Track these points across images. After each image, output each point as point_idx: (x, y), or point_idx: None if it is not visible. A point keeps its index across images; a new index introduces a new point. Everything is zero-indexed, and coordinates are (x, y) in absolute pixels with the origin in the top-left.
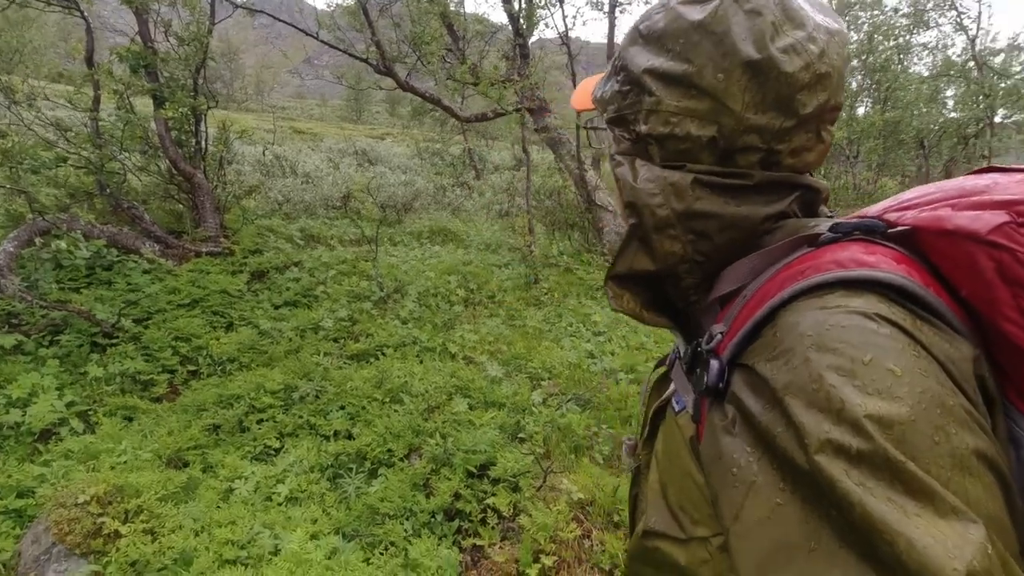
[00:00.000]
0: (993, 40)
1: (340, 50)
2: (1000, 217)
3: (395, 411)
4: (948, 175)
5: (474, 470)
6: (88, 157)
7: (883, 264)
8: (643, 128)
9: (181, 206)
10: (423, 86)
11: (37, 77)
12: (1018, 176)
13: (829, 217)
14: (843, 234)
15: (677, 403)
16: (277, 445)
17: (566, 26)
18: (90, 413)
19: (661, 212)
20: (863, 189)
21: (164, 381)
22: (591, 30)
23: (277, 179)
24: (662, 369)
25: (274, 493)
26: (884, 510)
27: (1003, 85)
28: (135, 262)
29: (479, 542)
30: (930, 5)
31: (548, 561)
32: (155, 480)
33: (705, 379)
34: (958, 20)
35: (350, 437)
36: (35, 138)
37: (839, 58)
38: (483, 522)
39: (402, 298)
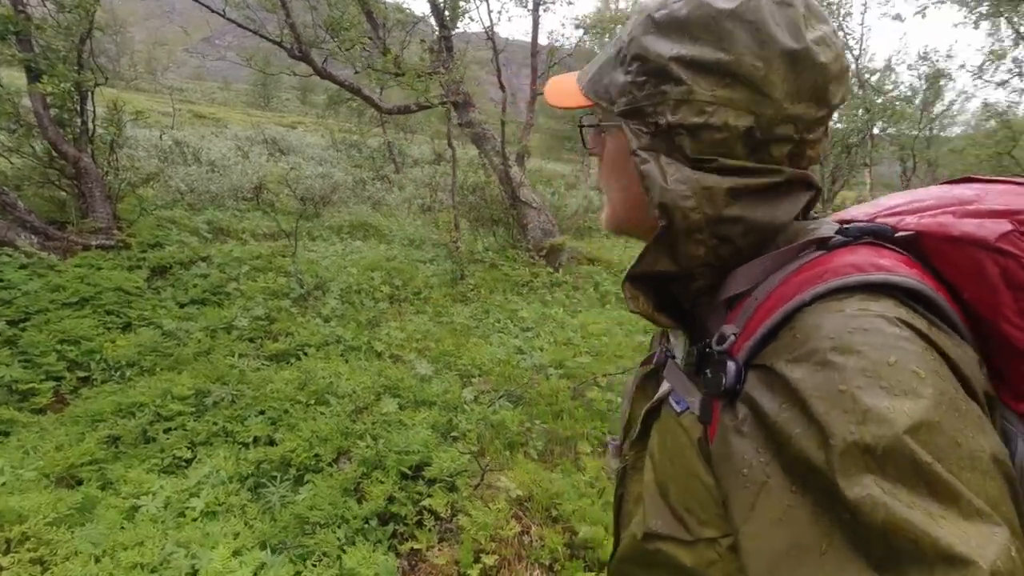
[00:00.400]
0: (871, 60)
1: (251, 31)
2: (1005, 226)
3: (321, 414)
4: (834, 181)
5: (408, 471)
6: None
7: (898, 268)
8: (671, 119)
9: (64, 193)
10: (341, 74)
11: None
12: (1001, 187)
13: (815, 219)
14: (852, 238)
15: (678, 404)
16: (189, 456)
17: (491, 20)
18: None
19: (694, 216)
20: None
21: (48, 390)
22: (513, 28)
23: (178, 167)
24: (648, 368)
25: (188, 508)
26: (908, 511)
27: (879, 101)
28: (8, 256)
29: (416, 546)
30: None
31: (489, 560)
32: (42, 502)
33: (723, 380)
34: (845, 42)
35: (272, 443)
36: None
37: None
38: (420, 525)
39: (323, 295)
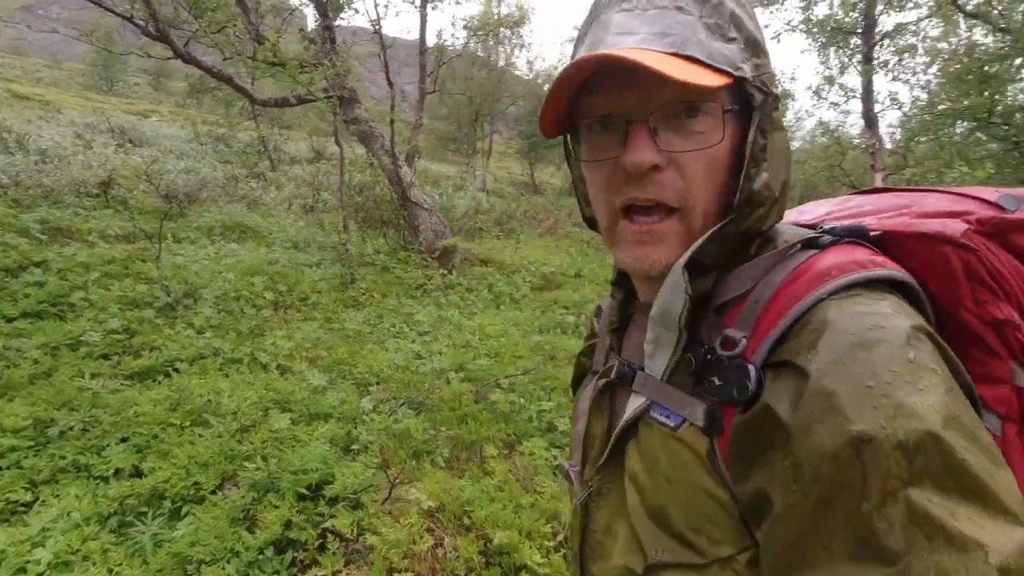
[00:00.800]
0: None
1: (93, 2)
2: (963, 225)
3: (200, 436)
4: None
5: (306, 492)
6: None
7: (889, 265)
8: (776, 90)
9: None
10: (207, 59)
11: None
12: (929, 196)
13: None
14: (839, 237)
15: (669, 418)
16: (28, 498)
17: (378, 14)
18: None
19: (772, 201)
20: None
21: None
22: (393, 25)
23: None
24: (603, 382)
25: (30, 562)
26: (931, 504)
27: None
28: None
29: (320, 572)
30: None
31: None
32: None
33: (746, 386)
34: None
35: (139, 475)
36: None
37: None
38: (322, 549)
39: (195, 303)
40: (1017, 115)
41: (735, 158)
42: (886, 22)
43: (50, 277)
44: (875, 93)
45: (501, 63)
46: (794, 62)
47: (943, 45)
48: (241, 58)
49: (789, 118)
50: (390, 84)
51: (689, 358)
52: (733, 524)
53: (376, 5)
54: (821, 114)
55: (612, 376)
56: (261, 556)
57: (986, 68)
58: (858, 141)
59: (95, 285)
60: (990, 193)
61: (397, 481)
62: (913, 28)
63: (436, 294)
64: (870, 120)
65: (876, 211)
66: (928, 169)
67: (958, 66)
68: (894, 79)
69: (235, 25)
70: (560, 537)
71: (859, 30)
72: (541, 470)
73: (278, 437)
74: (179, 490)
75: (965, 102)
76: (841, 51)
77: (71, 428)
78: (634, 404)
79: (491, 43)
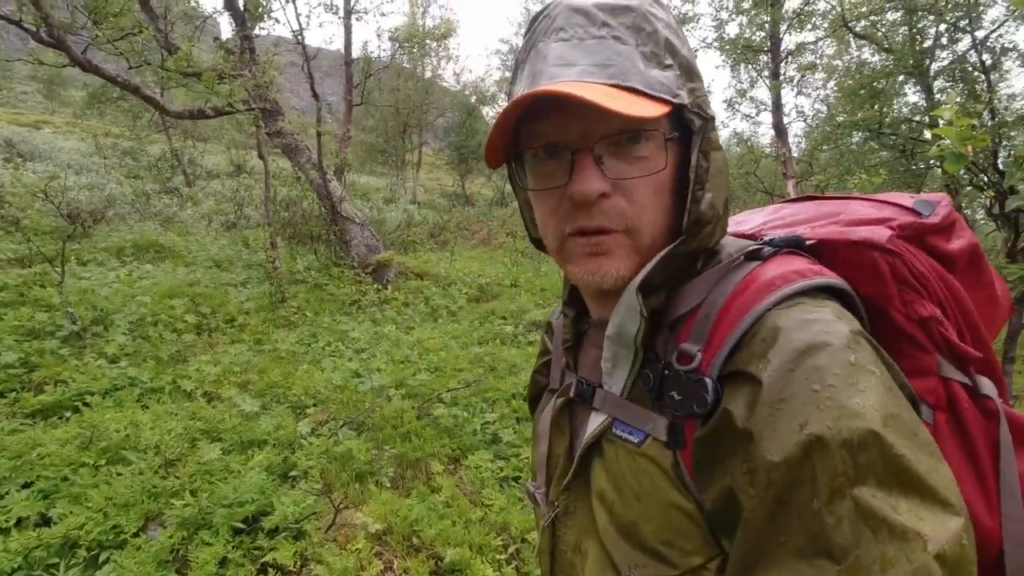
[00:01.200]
0: None
1: None
2: (887, 232)
3: (118, 475)
4: None
5: (242, 525)
6: None
7: (826, 273)
8: (711, 112)
9: None
10: (110, 68)
11: None
12: (855, 203)
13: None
14: (778, 248)
15: (632, 435)
16: None
17: (300, 25)
18: None
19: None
20: None
21: None
22: (314, 35)
23: None
24: (562, 400)
25: None
26: (874, 499)
27: None
28: None
29: None
30: None
31: None
32: None
33: (704, 399)
34: None
35: (46, 523)
36: None
37: None
38: None
39: (107, 330)
40: (903, 126)
41: (677, 179)
42: (790, 41)
43: None
44: (784, 106)
45: (428, 75)
46: (709, 76)
47: (838, 63)
48: (152, 67)
49: None
50: (315, 96)
51: (647, 374)
52: (701, 534)
53: (298, 15)
54: (735, 125)
55: (571, 394)
56: None
57: (875, 84)
58: (769, 150)
59: None
60: (906, 199)
61: (342, 506)
62: (812, 47)
63: (372, 310)
64: (780, 131)
65: (808, 220)
66: (832, 176)
67: (851, 82)
68: (799, 93)
69: (142, 31)
70: (511, 550)
71: (766, 48)
72: (488, 483)
73: (208, 469)
74: (96, 536)
75: (859, 115)
76: (751, 67)
77: None
78: (595, 422)
79: (417, 54)
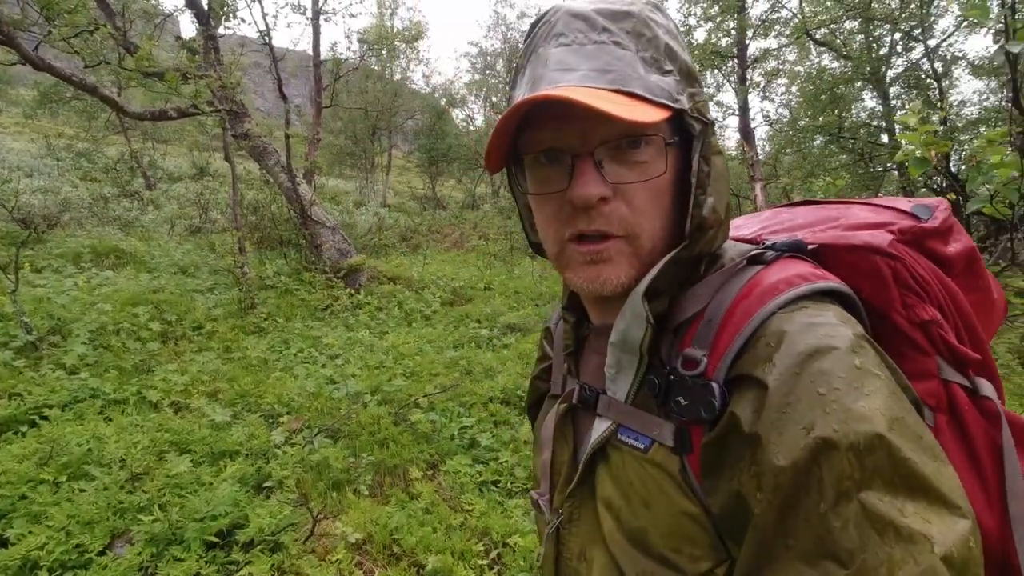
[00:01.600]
0: None
1: None
2: (888, 236)
3: (81, 491)
4: None
5: (215, 539)
6: None
7: (829, 277)
8: (711, 116)
9: None
10: (63, 66)
11: None
12: (854, 207)
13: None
14: (781, 252)
15: (638, 441)
16: None
17: (267, 25)
18: None
19: (719, 224)
20: None
21: None
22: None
23: None
24: (565, 406)
25: None
26: (881, 505)
27: None
28: None
29: None
30: None
31: None
32: None
33: (712, 405)
34: None
35: (3, 544)
36: None
37: None
38: None
39: (65, 340)
40: (861, 130)
41: (678, 184)
42: (756, 47)
43: None
44: (750, 110)
45: (397, 77)
46: None
47: (800, 69)
48: (111, 66)
49: None
50: (283, 97)
51: (652, 380)
52: (709, 539)
53: (264, 15)
54: None
55: (574, 400)
56: None
57: (835, 89)
58: (735, 153)
59: None
60: (904, 203)
61: (320, 516)
62: (775, 53)
63: (344, 315)
64: (747, 134)
65: (807, 224)
66: (796, 178)
67: (812, 87)
68: (764, 98)
69: (98, 28)
70: (493, 554)
71: (734, 53)
72: (467, 488)
73: (178, 483)
74: (58, 556)
75: (820, 119)
76: (719, 72)
77: None
78: (600, 428)
79: (386, 57)
